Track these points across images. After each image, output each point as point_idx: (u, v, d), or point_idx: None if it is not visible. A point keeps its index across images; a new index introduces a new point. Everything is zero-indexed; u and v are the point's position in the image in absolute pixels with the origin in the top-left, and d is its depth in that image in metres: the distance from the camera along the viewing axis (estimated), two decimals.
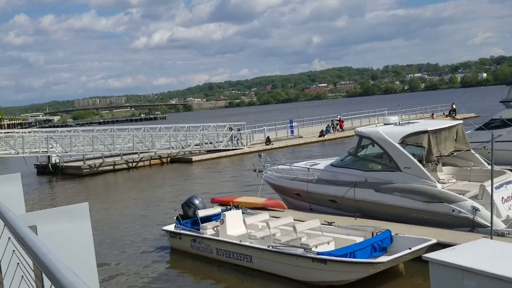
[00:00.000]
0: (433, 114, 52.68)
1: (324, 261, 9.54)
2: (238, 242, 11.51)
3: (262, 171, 17.17)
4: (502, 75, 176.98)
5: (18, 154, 31.50)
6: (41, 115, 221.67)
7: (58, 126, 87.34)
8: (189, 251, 12.83)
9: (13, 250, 3.54)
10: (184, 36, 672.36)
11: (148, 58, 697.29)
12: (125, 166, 34.36)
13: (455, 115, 49.95)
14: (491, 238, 8.98)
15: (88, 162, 33.44)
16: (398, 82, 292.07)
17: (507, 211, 11.51)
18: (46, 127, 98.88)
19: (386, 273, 9.78)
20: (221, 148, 37.16)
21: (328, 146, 37.66)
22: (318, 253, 9.74)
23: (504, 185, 12.08)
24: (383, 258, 9.81)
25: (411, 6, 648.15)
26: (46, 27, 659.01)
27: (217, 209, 13.72)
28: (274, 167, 16.97)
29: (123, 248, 14.31)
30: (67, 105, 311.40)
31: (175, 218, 13.71)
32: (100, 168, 33.30)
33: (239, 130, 38.85)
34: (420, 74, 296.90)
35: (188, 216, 13.82)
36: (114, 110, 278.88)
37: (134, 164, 34.69)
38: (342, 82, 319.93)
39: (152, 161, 35.45)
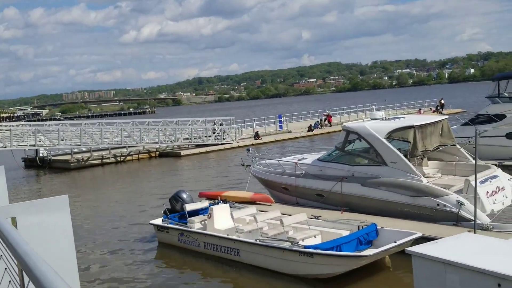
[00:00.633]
0: (420, 109, 53.02)
1: (311, 254, 9.61)
2: (225, 236, 11.55)
3: (250, 166, 17.22)
4: (489, 70, 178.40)
5: (5, 147, 31.27)
6: (29, 109, 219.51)
7: (46, 120, 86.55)
8: (177, 244, 12.84)
9: None
10: (174, 30, 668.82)
11: (138, 52, 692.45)
12: (113, 160, 34.21)
13: (442, 110, 50.31)
14: (474, 232, 9.08)
15: (76, 156, 33.24)
16: (386, 78, 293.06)
17: (491, 206, 11.64)
18: (34, 120, 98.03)
19: (371, 266, 9.89)
20: (210, 142, 37.12)
21: (316, 141, 37.77)
22: (305, 247, 9.80)
23: (489, 180, 12.22)
24: (369, 251, 9.90)
25: (400, 2, 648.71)
26: (36, 21, 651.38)
27: (204, 203, 13.73)
28: (262, 162, 17.02)
29: (110, 242, 14.28)
30: (55, 98, 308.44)
31: (162, 212, 13.70)
32: (88, 162, 33.14)
33: (221, 125, 38.76)
34: (408, 70, 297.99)
35: (176, 210, 13.83)
36: (102, 104, 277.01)
37: (122, 158, 34.55)
38: (331, 77, 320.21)
39: (141, 155, 35.33)
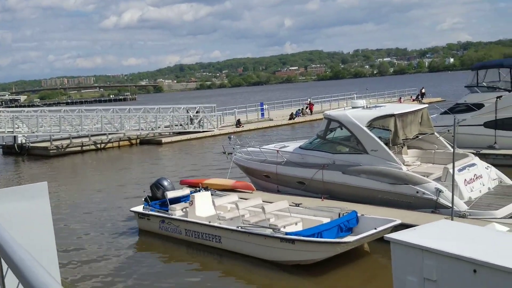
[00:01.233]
0: (400, 98, 53.49)
1: (292, 241, 9.69)
2: (207, 223, 11.56)
3: (231, 153, 17.22)
4: (469, 60, 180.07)
5: None
6: (7, 95, 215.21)
7: (24, 106, 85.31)
8: (158, 232, 12.82)
9: None
10: (155, 16, 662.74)
11: (118, 38, 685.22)
12: (93, 147, 33.88)
13: (422, 99, 50.80)
14: (452, 219, 9.24)
15: (55, 143, 32.84)
16: (367, 66, 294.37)
17: (469, 193, 11.85)
18: (12, 106, 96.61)
19: (351, 253, 10.01)
20: (191, 130, 36.98)
21: (298, 129, 37.88)
22: (286, 233, 9.88)
23: (467, 168, 12.42)
24: (349, 238, 10.02)
25: None
26: (13, 5, 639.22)
27: (186, 191, 13.72)
28: (244, 150, 17.04)
29: (90, 229, 14.20)
30: (34, 84, 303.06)
31: (143, 199, 13.65)
32: (68, 149, 32.76)
33: (198, 112, 38.55)
34: (389, 59, 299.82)
35: (157, 197, 13.79)
36: (82, 91, 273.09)
37: (102, 145, 34.23)
38: (313, 66, 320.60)
39: (121, 143, 35.05)
